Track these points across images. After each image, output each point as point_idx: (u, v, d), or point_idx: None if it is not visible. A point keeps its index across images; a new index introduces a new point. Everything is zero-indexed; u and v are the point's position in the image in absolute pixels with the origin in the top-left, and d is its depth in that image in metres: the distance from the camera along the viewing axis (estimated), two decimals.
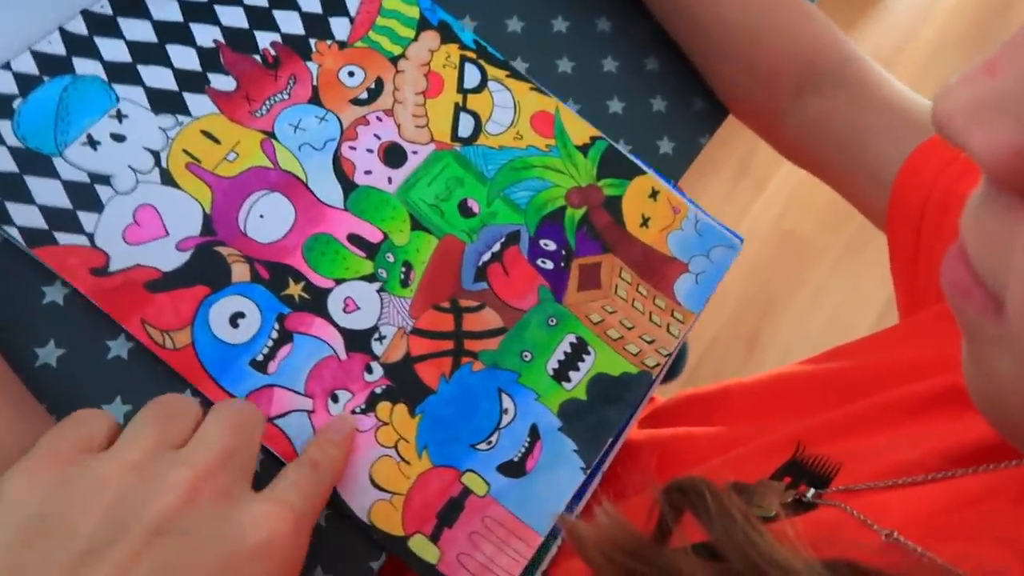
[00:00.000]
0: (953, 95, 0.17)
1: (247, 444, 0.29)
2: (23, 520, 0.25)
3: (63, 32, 0.37)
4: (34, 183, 0.35)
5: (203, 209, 0.37)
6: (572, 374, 0.40)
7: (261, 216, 0.38)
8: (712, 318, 1.38)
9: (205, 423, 0.29)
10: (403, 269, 0.39)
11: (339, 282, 0.38)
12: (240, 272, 0.37)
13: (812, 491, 0.30)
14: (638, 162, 0.44)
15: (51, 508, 0.25)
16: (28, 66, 0.36)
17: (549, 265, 0.41)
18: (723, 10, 0.44)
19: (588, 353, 0.40)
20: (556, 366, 0.40)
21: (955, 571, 0.23)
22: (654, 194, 0.44)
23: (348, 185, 0.40)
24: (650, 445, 0.43)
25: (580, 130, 0.44)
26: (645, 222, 0.44)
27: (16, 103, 0.36)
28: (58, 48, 0.37)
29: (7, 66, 0.36)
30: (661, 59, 0.48)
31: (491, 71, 0.44)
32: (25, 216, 0.35)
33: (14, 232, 0.35)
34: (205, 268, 0.37)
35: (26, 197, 0.35)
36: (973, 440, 0.29)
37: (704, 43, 0.46)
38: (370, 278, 0.39)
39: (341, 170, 0.40)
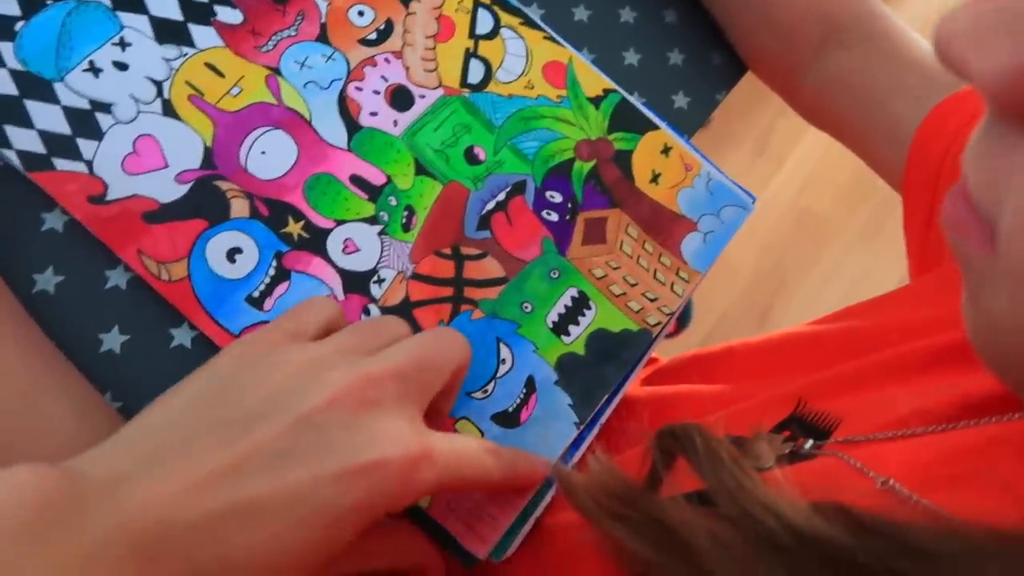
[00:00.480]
0: (955, 17, 0.17)
1: (426, 373, 0.30)
2: (207, 382, 0.29)
3: None
4: (34, 107, 0.35)
5: (204, 142, 0.37)
6: (572, 328, 0.39)
7: (263, 152, 0.37)
8: (724, 292, 1.37)
9: (399, 343, 0.30)
10: (405, 213, 0.39)
11: (339, 223, 0.38)
12: (239, 208, 0.37)
13: (810, 442, 0.30)
14: (652, 116, 0.43)
15: (234, 379, 0.28)
16: None
17: (554, 217, 0.41)
18: None
19: (589, 308, 0.40)
20: (556, 319, 0.39)
21: (947, 516, 0.22)
22: (666, 150, 0.43)
23: (353, 126, 0.39)
24: (649, 401, 0.42)
25: (593, 82, 0.43)
26: (655, 178, 0.43)
27: (18, 26, 0.35)
28: None
29: None
30: (680, 11, 0.47)
31: (504, 18, 0.43)
32: (24, 140, 0.34)
33: (12, 156, 0.34)
34: (204, 202, 0.36)
35: (25, 121, 0.35)
36: (977, 393, 0.28)
37: None
38: (371, 220, 0.38)
39: (346, 110, 0.39)
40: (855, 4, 0.43)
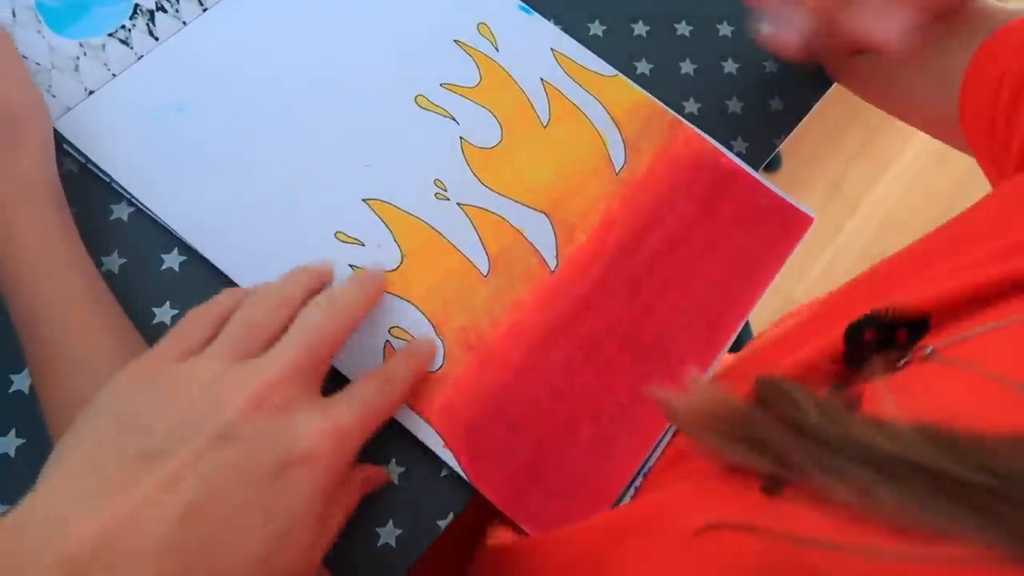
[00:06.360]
0: None
1: (321, 349, 0.31)
2: (108, 419, 0.28)
3: None
4: None
5: None
6: None
7: None
8: None
9: (287, 333, 0.31)
10: None
11: None
12: None
13: (930, 348, 0.28)
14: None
15: (134, 410, 0.28)
16: None
17: None
18: None
19: None
20: None
21: None
22: None
23: None
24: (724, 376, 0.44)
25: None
26: None
27: None
28: None
29: None
30: (740, 62, 0.50)
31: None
32: None
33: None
34: None
35: None
36: None
37: None
38: None
39: None
40: None
